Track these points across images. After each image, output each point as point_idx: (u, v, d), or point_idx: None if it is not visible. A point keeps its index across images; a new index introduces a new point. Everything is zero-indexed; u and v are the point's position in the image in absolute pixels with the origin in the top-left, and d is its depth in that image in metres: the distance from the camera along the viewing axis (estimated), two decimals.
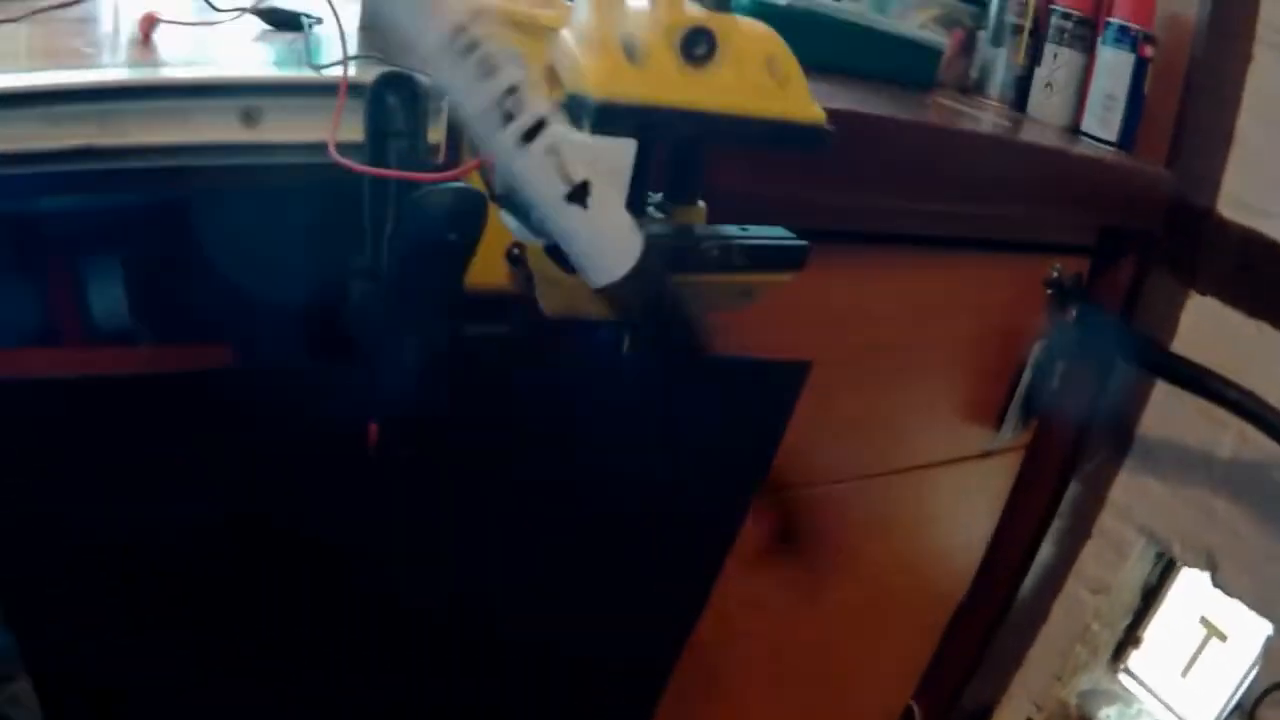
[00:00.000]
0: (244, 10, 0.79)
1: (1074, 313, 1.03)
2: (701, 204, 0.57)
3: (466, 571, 0.67)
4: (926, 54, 1.10)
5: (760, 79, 0.52)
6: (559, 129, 0.43)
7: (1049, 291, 1.02)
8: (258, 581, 0.67)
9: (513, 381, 0.62)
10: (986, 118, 1.04)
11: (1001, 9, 1.13)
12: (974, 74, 1.16)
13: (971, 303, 0.97)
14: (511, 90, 0.42)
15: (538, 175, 0.43)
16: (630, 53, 0.49)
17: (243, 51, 0.72)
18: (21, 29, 0.79)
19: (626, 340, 0.57)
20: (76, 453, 0.62)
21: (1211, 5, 1.01)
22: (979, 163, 0.89)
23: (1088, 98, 1.06)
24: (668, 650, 0.80)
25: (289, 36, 0.77)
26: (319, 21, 0.78)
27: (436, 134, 0.65)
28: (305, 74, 0.63)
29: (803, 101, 0.53)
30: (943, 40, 1.12)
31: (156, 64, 0.66)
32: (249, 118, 0.62)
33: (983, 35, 1.15)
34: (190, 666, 0.67)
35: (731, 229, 0.56)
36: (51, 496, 0.65)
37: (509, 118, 0.42)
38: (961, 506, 1.10)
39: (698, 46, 0.51)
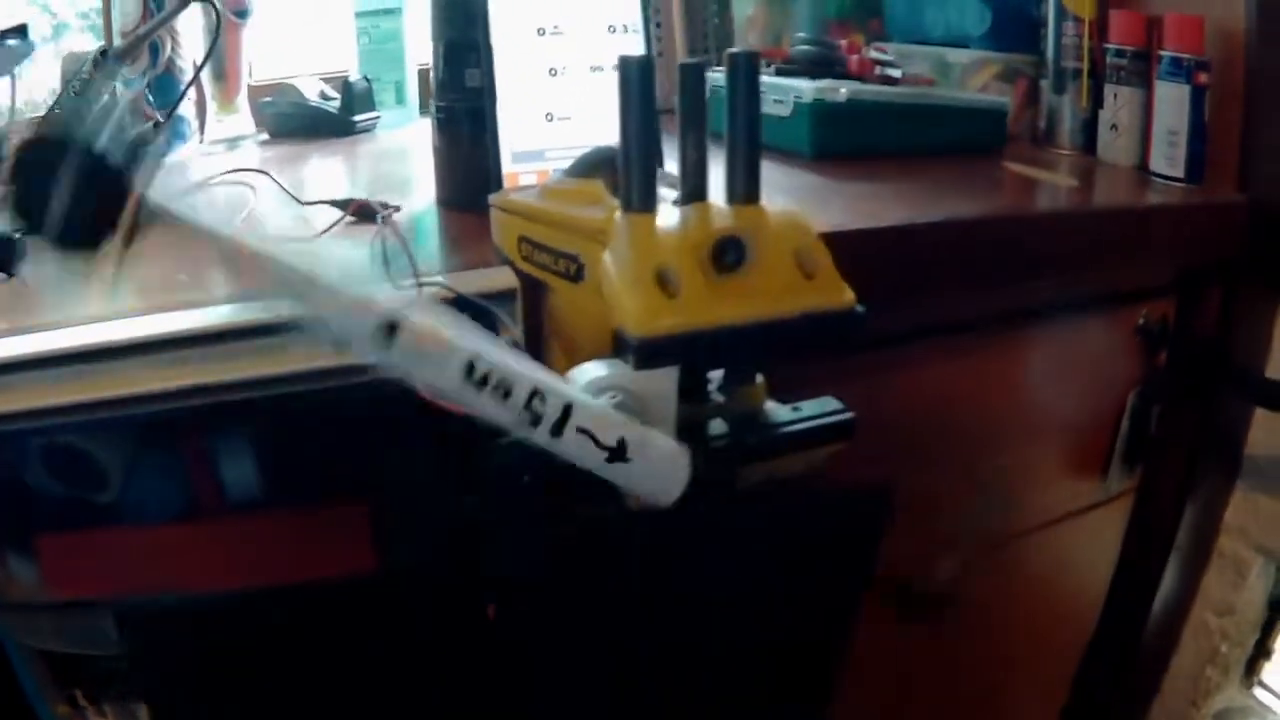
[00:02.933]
0: (332, 202, 0.84)
1: (1164, 355, 1.00)
2: (760, 379, 0.59)
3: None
4: (991, 118, 1.09)
5: (789, 276, 0.53)
6: (583, 409, 0.46)
7: (1139, 338, 1.00)
8: None
9: (615, 550, 0.64)
10: (1056, 178, 1.02)
11: (1058, 55, 1.10)
12: (1042, 124, 1.14)
13: (1066, 365, 0.96)
14: (531, 396, 0.44)
15: (577, 453, 0.46)
16: (664, 282, 0.51)
17: (331, 260, 0.76)
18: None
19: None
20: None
21: (1258, 10, 0.97)
22: (1048, 241, 0.88)
23: (1152, 135, 1.03)
24: None
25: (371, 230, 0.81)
26: (397, 209, 0.82)
27: (513, 332, 0.69)
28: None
29: (833, 290, 0.54)
30: (1005, 100, 1.10)
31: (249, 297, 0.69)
32: (341, 344, 0.66)
33: (1045, 85, 1.13)
34: None
35: (783, 411, 0.57)
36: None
37: (537, 419, 0.44)
38: (1079, 557, 1.09)
39: (727, 255, 0.53)
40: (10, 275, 0.75)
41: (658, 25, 1.35)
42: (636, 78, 0.54)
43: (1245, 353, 1.03)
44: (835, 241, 0.78)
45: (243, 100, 1.22)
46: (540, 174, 0.76)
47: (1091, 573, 1.11)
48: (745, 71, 0.55)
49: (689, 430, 0.54)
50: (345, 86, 1.23)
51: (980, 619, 1.02)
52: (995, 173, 1.02)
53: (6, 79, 1.13)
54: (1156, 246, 0.95)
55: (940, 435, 0.91)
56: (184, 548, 0.89)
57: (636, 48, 0.79)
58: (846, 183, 0.95)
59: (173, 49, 1.14)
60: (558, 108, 0.77)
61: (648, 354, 0.49)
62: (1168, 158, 1.00)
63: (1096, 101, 1.08)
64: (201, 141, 1.20)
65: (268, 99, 1.25)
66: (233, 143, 1.20)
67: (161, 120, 1.12)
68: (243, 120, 1.23)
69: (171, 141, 1.17)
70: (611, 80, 0.78)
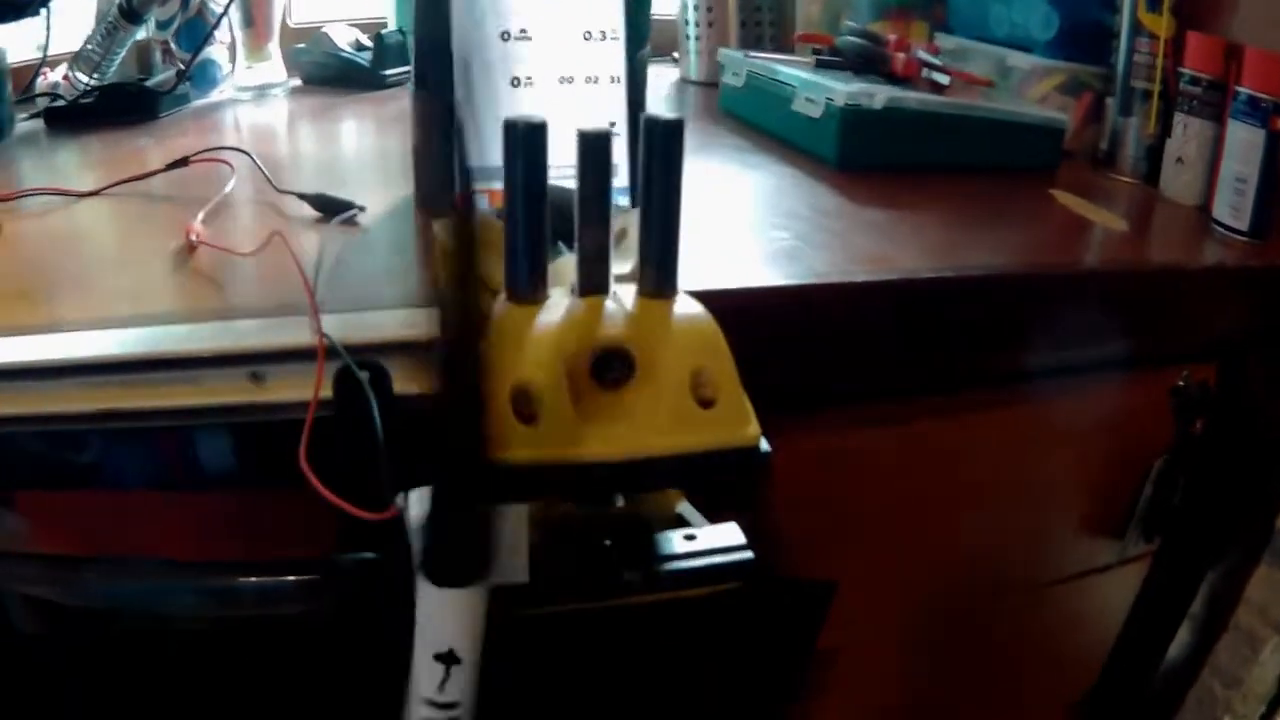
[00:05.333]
0: (300, 195, 0.75)
1: (1199, 424, 0.86)
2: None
3: None
4: (1044, 135, 0.94)
5: (680, 402, 0.42)
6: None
7: (1174, 401, 0.85)
8: None
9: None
10: (1106, 219, 0.86)
11: (1128, 73, 0.94)
12: (1103, 145, 0.98)
13: (1093, 425, 0.83)
14: None
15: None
16: (524, 402, 0.41)
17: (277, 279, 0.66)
18: (95, 214, 0.79)
19: None
20: None
21: None
22: (1081, 304, 0.75)
23: (1218, 177, 0.86)
24: None
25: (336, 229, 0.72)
26: (362, 210, 0.73)
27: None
28: (302, 340, 0.57)
29: (733, 422, 0.43)
30: (1063, 118, 0.95)
31: (173, 319, 0.61)
32: (257, 378, 0.58)
33: (1110, 103, 0.96)
34: None
35: (679, 539, 0.47)
36: None
37: None
38: (1087, 614, 0.97)
39: (609, 370, 0.42)
40: None
41: None
42: (523, 144, 0.43)
43: None
44: (831, 294, 0.67)
45: (274, 47, 1.12)
46: (494, 194, 0.65)
47: (1098, 631, 0.98)
48: (663, 141, 0.44)
49: (560, 563, 0.44)
50: (377, 40, 1.12)
51: (978, 669, 0.92)
52: (1038, 203, 0.88)
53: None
54: (1207, 310, 0.81)
55: (955, 491, 0.80)
56: (156, 515, 0.86)
57: (615, 58, 0.66)
58: (863, 206, 0.82)
59: None
60: None
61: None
62: (1232, 206, 0.84)
63: (1164, 129, 0.91)
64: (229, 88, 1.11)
65: (301, 46, 1.15)
66: (261, 91, 1.11)
67: (183, 68, 1.03)
68: (274, 68, 1.13)
69: (202, 86, 1.08)
70: (584, 93, 0.66)
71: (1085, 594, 0.94)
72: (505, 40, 0.64)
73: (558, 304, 0.44)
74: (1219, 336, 0.85)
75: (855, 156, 0.89)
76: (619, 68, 0.66)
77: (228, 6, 1.02)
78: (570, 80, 0.66)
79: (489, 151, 0.65)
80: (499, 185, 0.66)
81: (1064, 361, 0.78)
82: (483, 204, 0.65)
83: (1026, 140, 0.93)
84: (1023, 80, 1.02)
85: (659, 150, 0.43)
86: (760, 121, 1.01)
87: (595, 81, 0.66)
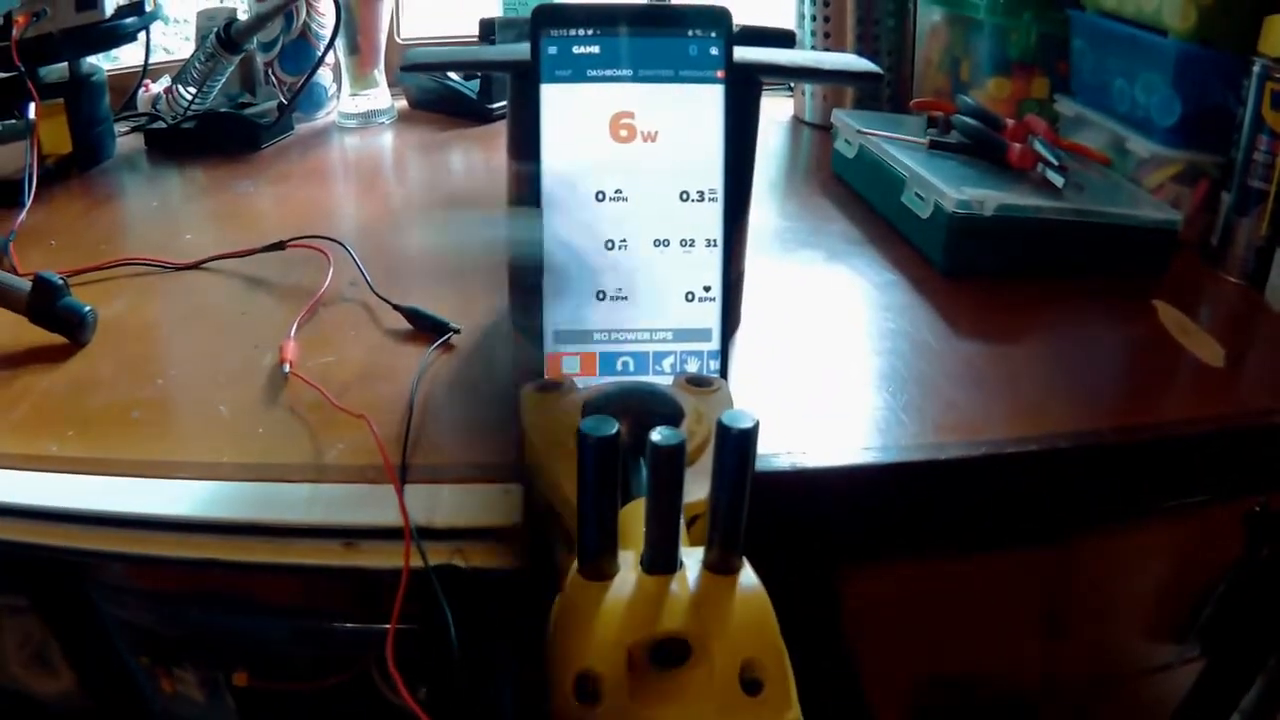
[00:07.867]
0: (395, 306, 0.81)
1: (1267, 551, 0.88)
2: None
3: None
4: (1158, 237, 0.94)
5: (729, 689, 0.48)
6: None
7: (1245, 526, 0.88)
8: None
9: None
10: (1203, 351, 0.86)
11: (1245, 170, 0.93)
12: (1214, 239, 0.98)
13: (1162, 549, 0.87)
14: None
15: None
16: (587, 683, 0.47)
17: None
18: (190, 296, 0.85)
19: None
20: None
21: None
22: (1172, 460, 0.79)
23: None
24: None
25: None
26: (457, 332, 0.78)
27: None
28: (391, 520, 0.64)
29: (776, 707, 0.48)
30: (1178, 217, 0.95)
31: (270, 472, 0.68)
32: (349, 545, 0.65)
33: (1225, 198, 0.96)
34: None
35: None
36: None
37: None
38: (1136, 710, 1.01)
39: (668, 656, 0.48)
40: (81, 345, 0.78)
41: (826, 19, 1.20)
42: (593, 458, 0.47)
43: None
44: (914, 470, 0.71)
45: (379, 74, 1.16)
46: (585, 357, 0.69)
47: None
48: (735, 445, 0.48)
49: None
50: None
51: None
52: (1140, 326, 0.89)
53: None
54: None
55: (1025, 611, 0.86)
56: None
57: (714, 220, 0.69)
58: (963, 338, 0.85)
59: (308, 14, 1.09)
60: (611, 285, 0.69)
61: None
62: None
63: (1276, 233, 0.91)
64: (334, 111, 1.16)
65: None
66: (366, 119, 1.16)
67: (286, 102, 1.08)
68: (380, 95, 1.17)
69: (307, 110, 1.13)
70: (679, 257, 0.69)
71: (1140, 689, 0.99)
72: (600, 201, 0.68)
73: (625, 581, 0.49)
74: None
75: (962, 265, 0.92)
76: (717, 230, 0.69)
77: (333, 37, 1.06)
78: (666, 243, 0.68)
79: (581, 315, 0.70)
80: (591, 350, 0.71)
81: (1138, 500, 0.81)
82: (572, 367, 0.69)
83: (1139, 243, 0.94)
84: (1140, 166, 1.01)
85: (732, 453, 0.48)
86: (870, 198, 1.04)
87: (691, 245, 0.69)
